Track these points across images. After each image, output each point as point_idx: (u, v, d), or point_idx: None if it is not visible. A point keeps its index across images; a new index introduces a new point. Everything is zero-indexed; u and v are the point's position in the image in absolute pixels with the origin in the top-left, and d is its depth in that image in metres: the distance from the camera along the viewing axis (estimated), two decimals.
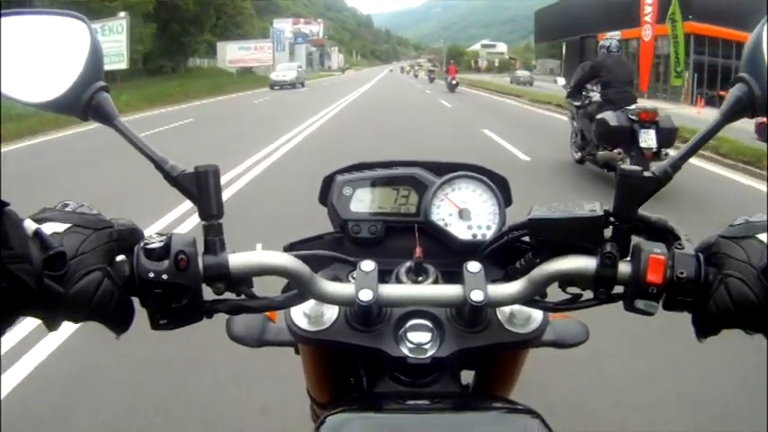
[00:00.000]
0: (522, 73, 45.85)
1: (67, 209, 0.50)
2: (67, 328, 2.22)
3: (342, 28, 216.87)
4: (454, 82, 25.11)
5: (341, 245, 0.74)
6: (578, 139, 6.61)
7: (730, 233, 0.50)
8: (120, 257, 0.51)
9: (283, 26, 64.40)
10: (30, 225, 0.45)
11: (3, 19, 0.52)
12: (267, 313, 0.80)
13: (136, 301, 0.50)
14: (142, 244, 0.50)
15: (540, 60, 57.04)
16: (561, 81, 7.61)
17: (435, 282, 0.64)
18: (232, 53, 40.21)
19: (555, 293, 0.57)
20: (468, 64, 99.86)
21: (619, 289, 0.52)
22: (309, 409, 0.85)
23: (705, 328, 0.51)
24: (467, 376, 0.72)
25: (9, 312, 0.43)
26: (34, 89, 0.52)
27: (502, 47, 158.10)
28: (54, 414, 2.06)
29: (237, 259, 0.52)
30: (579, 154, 6.58)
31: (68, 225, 0.48)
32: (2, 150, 8.41)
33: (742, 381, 2.22)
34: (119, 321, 0.50)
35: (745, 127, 6.62)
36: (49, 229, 0.47)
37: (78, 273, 0.46)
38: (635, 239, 0.53)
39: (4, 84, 0.51)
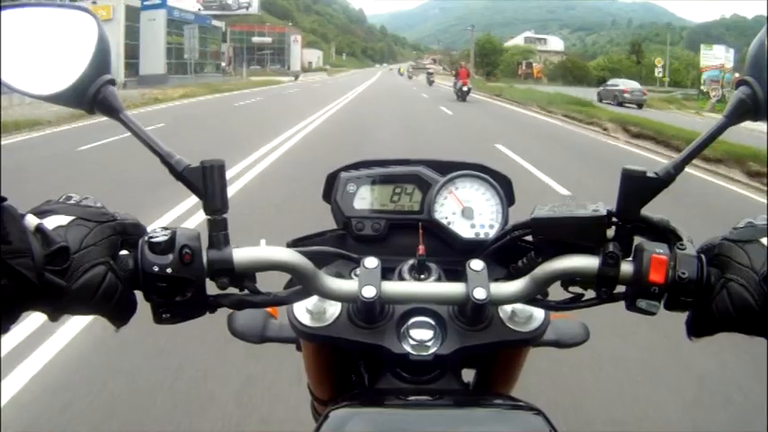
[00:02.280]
0: (627, 84, 25.59)
1: (71, 201, 0.50)
2: None
3: (328, 22, 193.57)
4: (466, 88, 20.36)
5: (344, 242, 0.74)
6: None
7: (734, 236, 0.50)
8: (123, 252, 0.51)
9: None
10: (32, 220, 0.45)
11: (10, 11, 0.52)
12: (269, 309, 0.80)
13: (138, 294, 0.50)
14: (147, 238, 0.50)
15: None
16: None
17: (438, 279, 0.64)
18: None
19: (556, 293, 0.58)
20: (508, 67, 68.49)
21: (621, 288, 0.53)
22: (310, 405, 0.86)
23: (702, 328, 0.51)
24: (467, 375, 0.73)
25: (12, 307, 0.43)
26: (41, 82, 0.52)
27: (556, 43, 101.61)
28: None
29: (241, 254, 0.52)
30: None
31: (72, 218, 0.48)
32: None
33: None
34: (120, 315, 0.50)
35: None
36: (52, 222, 0.47)
37: (82, 267, 0.46)
38: (637, 239, 0.53)
39: (11, 76, 0.51)
